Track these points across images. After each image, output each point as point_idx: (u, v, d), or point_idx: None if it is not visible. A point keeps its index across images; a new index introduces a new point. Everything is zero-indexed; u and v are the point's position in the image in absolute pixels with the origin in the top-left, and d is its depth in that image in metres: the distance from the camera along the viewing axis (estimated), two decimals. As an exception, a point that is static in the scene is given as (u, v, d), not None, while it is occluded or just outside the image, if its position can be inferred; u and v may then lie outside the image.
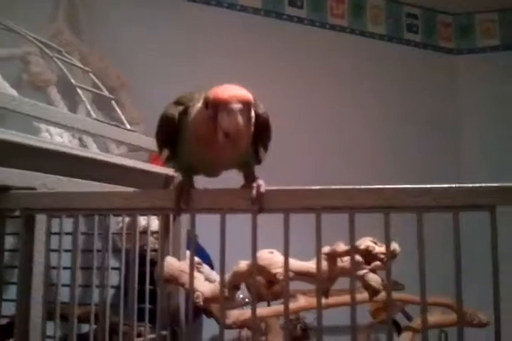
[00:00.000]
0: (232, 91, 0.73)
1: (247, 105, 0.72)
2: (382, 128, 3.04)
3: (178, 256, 1.29)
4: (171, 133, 0.81)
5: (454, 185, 0.77)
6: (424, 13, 3.33)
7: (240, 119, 0.71)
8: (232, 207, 0.82)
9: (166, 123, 0.81)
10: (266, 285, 1.21)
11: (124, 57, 2.33)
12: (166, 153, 0.83)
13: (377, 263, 1.13)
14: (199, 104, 0.77)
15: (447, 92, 3.30)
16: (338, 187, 0.80)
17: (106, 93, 1.18)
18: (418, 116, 3.15)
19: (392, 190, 0.78)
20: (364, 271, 1.16)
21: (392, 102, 3.11)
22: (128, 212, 0.85)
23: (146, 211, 0.89)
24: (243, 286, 1.29)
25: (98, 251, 1.08)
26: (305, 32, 2.96)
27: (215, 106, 0.72)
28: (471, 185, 0.77)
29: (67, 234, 0.90)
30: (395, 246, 1.13)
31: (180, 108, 0.81)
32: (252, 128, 0.76)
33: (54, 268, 1.00)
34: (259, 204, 0.81)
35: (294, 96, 2.79)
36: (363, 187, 0.80)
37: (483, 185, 0.77)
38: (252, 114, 0.75)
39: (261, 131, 0.80)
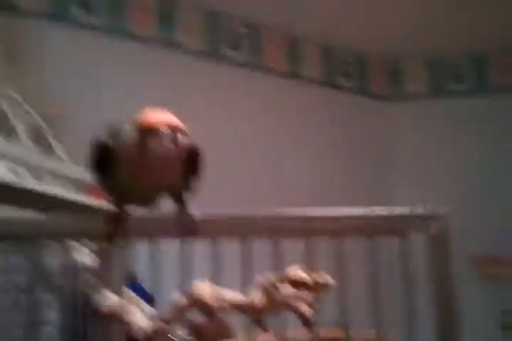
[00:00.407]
0: (160, 117, 0.76)
1: (176, 132, 0.75)
2: (310, 170, 3.11)
3: (115, 292, 1.28)
4: (102, 160, 0.82)
5: (368, 211, 0.82)
6: (357, 60, 3.48)
7: (168, 147, 0.73)
8: (163, 234, 0.85)
9: (97, 151, 0.82)
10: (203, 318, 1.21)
11: (61, 91, 2.33)
12: (99, 179, 0.84)
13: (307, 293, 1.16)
14: (129, 131, 0.79)
15: (382, 137, 3.41)
16: (261, 212, 0.84)
17: (40, 122, 1.19)
18: (352, 159, 3.26)
19: (310, 217, 0.83)
20: (297, 302, 1.18)
21: (324, 145, 3.19)
22: (59, 238, 0.85)
23: (79, 236, 0.90)
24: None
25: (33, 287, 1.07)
26: (245, 74, 3.05)
27: (146, 131, 0.74)
28: (383, 212, 0.82)
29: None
30: (326, 277, 1.17)
31: (111, 137, 0.82)
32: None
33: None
34: (188, 231, 0.84)
35: (223, 134, 2.81)
36: (285, 211, 0.83)
37: (396, 211, 0.82)
38: (182, 140, 0.76)
39: (190, 162, 0.82)
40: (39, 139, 1.28)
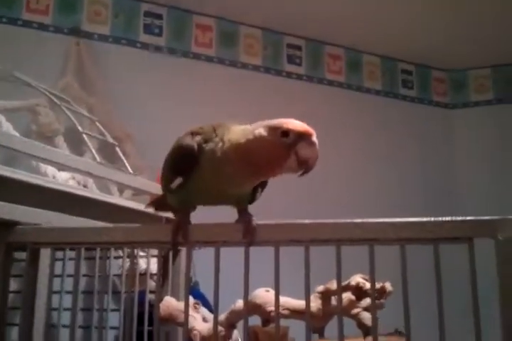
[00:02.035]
0: (308, 127, 0.85)
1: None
2: (376, 177, 3.10)
3: (176, 297, 1.32)
4: (186, 163, 0.85)
5: (432, 219, 0.82)
6: (418, 70, 3.46)
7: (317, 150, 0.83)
8: (225, 240, 0.87)
9: (184, 152, 0.86)
10: (262, 324, 1.24)
11: (129, 111, 2.43)
12: (178, 181, 0.86)
13: (370, 300, 1.16)
14: (234, 136, 0.85)
15: (443, 144, 3.38)
16: (325, 220, 0.85)
17: (110, 139, 1.25)
18: (414, 166, 3.23)
19: (376, 223, 0.83)
20: (358, 310, 1.19)
21: (390, 152, 3.18)
22: (127, 246, 0.89)
23: (144, 244, 0.94)
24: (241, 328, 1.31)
25: (98, 292, 1.12)
26: (304, 87, 3.09)
27: (298, 136, 0.82)
28: (448, 218, 0.82)
29: (69, 276, 0.95)
30: (386, 284, 1.17)
31: (199, 138, 0.86)
32: None
33: (54, 309, 1.02)
34: (250, 237, 0.86)
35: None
36: (348, 220, 0.85)
37: (460, 218, 0.82)
38: None
39: None
40: (109, 156, 1.34)
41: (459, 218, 0.82)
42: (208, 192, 0.87)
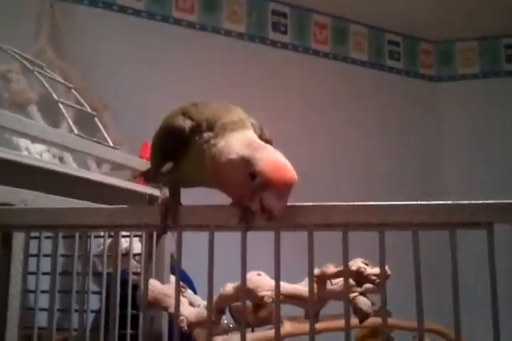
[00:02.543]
0: (285, 173, 0.70)
1: (291, 187, 0.70)
2: (364, 150, 3.06)
3: (161, 280, 1.24)
4: (176, 147, 0.76)
5: (449, 202, 0.75)
6: (405, 41, 3.38)
7: (282, 202, 0.69)
8: (220, 225, 0.79)
9: (174, 136, 0.77)
10: (253, 309, 1.18)
11: (105, 78, 2.31)
12: (167, 166, 0.78)
13: (368, 285, 1.10)
14: (221, 144, 0.73)
15: (428, 118, 3.33)
16: (330, 203, 0.78)
17: (88, 109, 1.15)
18: (399, 138, 3.18)
19: (387, 207, 0.76)
20: (354, 294, 1.13)
21: (374, 125, 3.13)
22: (111, 230, 0.81)
23: (131, 228, 0.85)
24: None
25: (78, 273, 1.04)
26: (288, 56, 2.98)
27: (265, 183, 0.69)
28: (467, 202, 0.75)
29: (45, 255, 0.86)
30: (386, 268, 1.11)
31: (191, 123, 0.76)
32: None
33: (31, 291, 0.95)
34: (247, 222, 0.77)
35: (275, 118, 2.77)
36: (357, 203, 0.77)
37: (480, 202, 0.75)
38: None
39: None
40: (88, 126, 1.24)
41: (479, 202, 0.75)
42: (197, 178, 0.79)
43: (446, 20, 3.20)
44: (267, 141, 0.77)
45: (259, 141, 0.75)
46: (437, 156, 3.29)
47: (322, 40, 3.12)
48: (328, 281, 1.14)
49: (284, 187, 0.69)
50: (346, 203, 0.76)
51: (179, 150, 0.76)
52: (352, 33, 3.21)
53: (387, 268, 1.11)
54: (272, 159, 0.70)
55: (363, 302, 1.12)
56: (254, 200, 0.70)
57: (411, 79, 3.37)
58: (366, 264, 1.06)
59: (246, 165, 0.70)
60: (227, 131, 0.74)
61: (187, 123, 0.76)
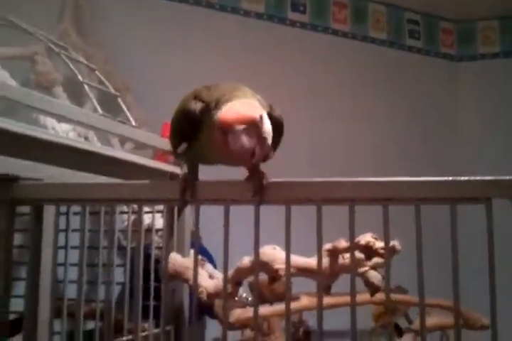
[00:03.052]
0: (236, 113, 0.76)
1: (252, 125, 0.75)
2: (384, 128, 3.08)
3: (182, 253, 1.31)
4: (190, 129, 0.82)
5: (450, 178, 0.79)
6: (425, 20, 3.36)
7: (245, 140, 0.74)
8: (235, 198, 0.84)
9: (185, 119, 0.83)
10: (268, 282, 1.23)
11: (127, 60, 2.36)
12: (183, 147, 0.84)
13: (378, 259, 1.15)
14: (219, 111, 0.78)
15: (448, 97, 3.33)
16: (337, 179, 0.82)
17: (112, 90, 1.20)
18: (420, 118, 3.19)
19: (391, 183, 0.81)
20: (365, 268, 1.18)
21: (394, 104, 3.14)
22: (134, 203, 0.87)
23: (152, 202, 0.91)
24: (246, 285, 1.31)
25: (104, 248, 1.10)
26: (307, 37, 3.00)
27: (223, 130, 0.75)
28: (466, 178, 0.79)
29: (73, 230, 0.92)
30: (395, 243, 1.15)
31: (201, 105, 0.82)
32: (270, 138, 0.78)
33: (61, 264, 1.01)
34: (261, 196, 0.83)
35: (296, 98, 2.81)
36: (361, 179, 0.82)
37: (479, 178, 0.79)
38: (265, 128, 0.77)
39: (275, 134, 0.82)
40: (110, 107, 1.30)
41: (477, 178, 0.79)
42: (212, 156, 0.84)
43: (466, -1, 3.17)
44: (277, 118, 0.83)
45: (250, 104, 0.80)
46: (457, 136, 3.29)
47: (341, 20, 3.12)
48: (340, 256, 1.19)
49: (238, 126, 0.74)
50: (352, 179, 0.81)
51: (193, 130, 0.82)
52: (371, 12, 3.21)
53: (396, 243, 1.16)
54: (230, 108, 0.77)
55: (374, 275, 1.17)
56: (229, 151, 0.75)
57: (431, 59, 3.36)
58: (376, 238, 1.11)
59: (217, 123, 0.76)
60: (227, 102, 0.79)
61: (198, 106, 0.82)
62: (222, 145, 0.76)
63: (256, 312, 0.85)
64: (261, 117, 0.77)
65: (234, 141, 0.74)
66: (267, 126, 0.78)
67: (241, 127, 0.74)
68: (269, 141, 0.79)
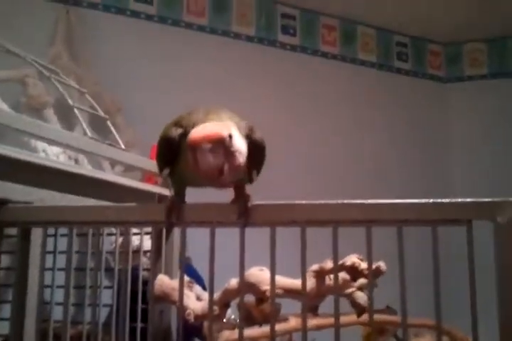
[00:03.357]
0: (202, 132, 0.78)
1: (218, 143, 0.77)
2: (371, 149, 3.11)
3: (170, 275, 1.31)
4: (171, 154, 0.85)
5: (431, 200, 0.81)
6: (414, 42, 3.42)
7: (211, 158, 0.76)
8: (220, 221, 0.86)
9: (166, 145, 0.86)
10: (256, 303, 1.24)
11: (118, 82, 2.39)
12: (166, 172, 0.87)
13: (364, 280, 1.16)
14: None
15: (436, 118, 3.37)
16: (322, 201, 0.84)
17: (101, 113, 1.22)
18: (407, 139, 3.22)
19: (373, 205, 0.82)
20: (351, 289, 1.19)
21: (382, 126, 3.18)
22: (121, 225, 0.88)
23: (139, 225, 0.92)
24: (235, 307, 1.31)
25: (91, 269, 1.11)
26: (297, 59, 3.04)
27: (192, 150, 0.78)
28: (447, 200, 0.81)
29: (60, 252, 0.93)
30: (380, 264, 1.16)
31: (180, 131, 0.85)
32: (241, 158, 0.80)
33: (47, 286, 1.01)
34: (245, 218, 0.84)
35: (283, 118, 2.84)
36: (345, 201, 0.83)
37: (460, 200, 0.80)
38: (236, 147, 0.79)
39: (255, 156, 0.85)
40: (101, 128, 1.31)
41: (458, 200, 0.81)
42: (192, 178, 0.86)
43: (453, 22, 3.23)
44: (256, 140, 0.85)
45: (220, 124, 0.82)
46: (445, 157, 3.33)
47: (331, 42, 3.17)
48: (327, 277, 1.19)
49: (205, 145, 0.77)
50: (335, 201, 0.83)
51: (174, 155, 0.85)
52: (360, 34, 3.27)
53: (382, 264, 1.17)
54: (199, 128, 0.80)
55: (360, 296, 1.18)
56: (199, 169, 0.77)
57: (419, 80, 3.41)
58: (361, 259, 1.12)
59: (187, 143, 0.79)
60: (200, 124, 0.82)
61: (177, 131, 0.85)
62: (194, 165, 0.78)
63: (241, 333, 0.86)
64: (230, 136, 0.79)
65: (201, 159, 0.76)
66: (238, 145, 0.80)
67: (207, 145, 0.76)
68: (241, 159, 0.80)
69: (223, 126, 0.80)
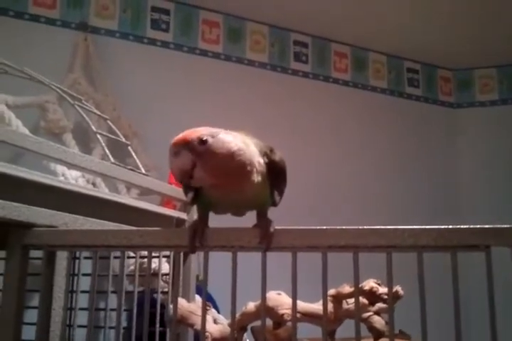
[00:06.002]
0: (177, 136, 0.79)
1: (184, 145, 0.77)
2: (384, 175, 3.12)
3: (187, 298, 1.32)
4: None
5: (450, 226, 0.82)
6: (424, 68, 3.46)
7: (176, 161, 0.77)
8: (242, 245, 0.87)
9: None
10: (273, 327, 1.24)
11: (135, 107, 2.43)
12: (190, 195, 0.86)
13: (381, 305, 1.17)
14: None
15: (447, 143, 3.39)
16: (343, 227, 0.85)
17: (123, 139, 1.25)
18: (417, 164, 3.24)
19: (393, 230, 0.84)
20: (369, 314, 1.19)
21: (394, 150, 3.20)
22: (145, 249, 0.89)
23: (162, 248, 0.94)
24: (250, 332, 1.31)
25: (112, 292, 1.12)
26: (309, 85, 3.09)
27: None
28: (466, 227, 0.82)
29: (83, 275, 0.95)
30: (397, 288, 1.17)
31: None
32: (232, 159, 0.79)
33: (70, 309, 1.02)
34: (267, 243, 0.86)
35: (295, 143, 2.87)
36: (366, 227, 0.85)
37: (478, 226, 0.82)
38: (217, 148, 0.78)
39: (276, 177, 0.87)
40: (118, 153, 1.34)
41: (477, 226, 0.82)
42: (215, 203, 0.87)
43: (464, 49, 3.28)
44: (275, 161, 0.87)
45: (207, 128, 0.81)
46: (456, 182, 3.33)
47: (342, 69, 3.22)
48: (344, 301, 1.20)
49: (174, 148, 0.77)
50: (356, 227, 0.84)
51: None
52: (371, 61, 3.31)
53: (399, 288, 1.18)
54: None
55: (377, 321, 1.18)
56: None
57: (430, 106, 3.44)
58: (379, 284, 1.13)
59: None
60: None
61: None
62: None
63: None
64: (201, 138, 0.77)
65: (169, 164, 0.77)
66: (225, 147, 0.78)
67: (173, 149, 0.77)
68: (226, 161, 0.79)
69: (202, 129, 0.80)
